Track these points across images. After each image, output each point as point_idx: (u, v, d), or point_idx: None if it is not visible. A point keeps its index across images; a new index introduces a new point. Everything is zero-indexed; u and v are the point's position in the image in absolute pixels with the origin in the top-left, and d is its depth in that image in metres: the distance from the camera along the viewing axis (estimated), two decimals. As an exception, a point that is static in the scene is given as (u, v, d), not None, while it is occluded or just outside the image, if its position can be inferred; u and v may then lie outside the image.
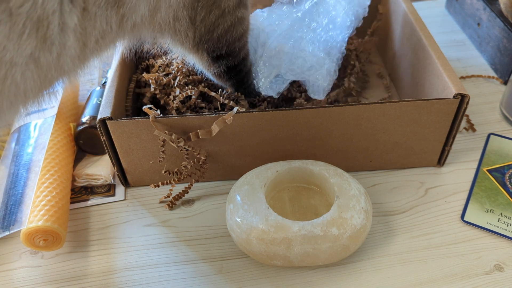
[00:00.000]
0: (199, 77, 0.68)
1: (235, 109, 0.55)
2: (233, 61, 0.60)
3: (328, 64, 0.64)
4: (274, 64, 0.63)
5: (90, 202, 0.63)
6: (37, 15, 0.35)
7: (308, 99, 0.70)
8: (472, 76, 0.84)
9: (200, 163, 0.60)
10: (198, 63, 0.62)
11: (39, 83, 0.38)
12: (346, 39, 0.66)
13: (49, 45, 0.37)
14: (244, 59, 0.62)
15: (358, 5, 0.66)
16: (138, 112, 0.68)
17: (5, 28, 0.33)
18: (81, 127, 0.66)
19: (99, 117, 0.56)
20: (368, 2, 0.67)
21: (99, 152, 0.68)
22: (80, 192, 0.65)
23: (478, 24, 0.89)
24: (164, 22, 0.50)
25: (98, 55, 0.45)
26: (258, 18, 0.67)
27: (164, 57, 0.71)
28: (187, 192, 0.62)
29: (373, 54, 0.88)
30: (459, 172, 0.66)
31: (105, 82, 0.74)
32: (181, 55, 0.62)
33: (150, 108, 0.56)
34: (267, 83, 0.63)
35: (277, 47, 0.63)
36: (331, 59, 0.64)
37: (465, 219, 0.59)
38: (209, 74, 0.64)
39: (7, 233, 0.56)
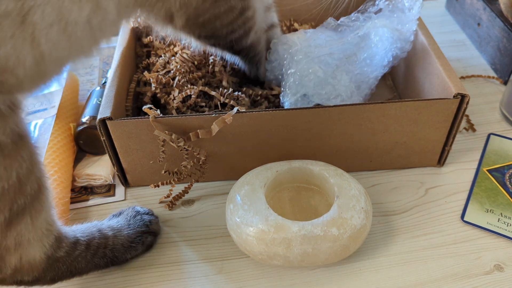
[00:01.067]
0: (199, 74, 0.68)
1: (235, 109, 0.55)
2: (218, 41, 0.62)
3: (355, 97, 0.65)
4: (304, 84, 0.63)
5: (90, 202, 0.63)
6: None
7: None
8: (472, 76, 0.83)
9: (200, 163, 0.60)
10: (182, 37, 0.63)
11: (90, 42, 0.46)
12: (379, 77, 0.67)
13: (99, 10, 0.44)
14: (236, 41, 0.62)
15: (401, 41, 0.66)
16: (138, 112, 0.68)
17: None
18: (81, 127, 0.66)
19: (99, 117, 0.56)
20: (412, 38, 0.67)
21: (99, 152, 0.68)
22: (80, 192, 0.65)
23: (478, 24, 0.89)
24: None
25: (124, 21, 0.55)
26: (300, 36, 0.68)
27: (163, 55, 0.71)
28: (187, 192, 0.62)
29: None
30: (459, 172, 0.66)
31: (105, 82, 0.74)
32: (161, 31, 0.63)
33: (150, 108, 0.56)
34: (293, 100, 0.64)
35: (311, 68, 0.63)
36: (359, 93, 0.65)
37: (465, 219, 0.59)
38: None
39: (7, 233, 0.55)
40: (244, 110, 0.56)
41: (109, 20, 0.46)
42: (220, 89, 0.67)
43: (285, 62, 0.67)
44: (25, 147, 0.42)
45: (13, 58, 0.39)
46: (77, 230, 0.51)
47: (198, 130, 0.57)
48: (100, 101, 0.66)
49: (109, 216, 0.58)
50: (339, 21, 0.71)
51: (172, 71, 0.68)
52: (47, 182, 0.45)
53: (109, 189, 0.65)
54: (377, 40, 0.65)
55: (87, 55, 0.49)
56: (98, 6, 0.44)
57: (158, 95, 0.66)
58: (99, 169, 0.65)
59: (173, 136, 0.56)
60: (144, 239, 0.55)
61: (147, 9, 0.54)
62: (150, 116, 0.56)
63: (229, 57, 0.68)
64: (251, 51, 0.66)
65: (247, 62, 0.68)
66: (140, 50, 0.76)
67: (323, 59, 0.63)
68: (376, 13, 0.70)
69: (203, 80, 0.68)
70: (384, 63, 0.65)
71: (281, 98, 0.66)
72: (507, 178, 0.64)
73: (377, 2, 0.70)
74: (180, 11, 0.55)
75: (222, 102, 0.66)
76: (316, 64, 0.63)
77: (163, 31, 0.62)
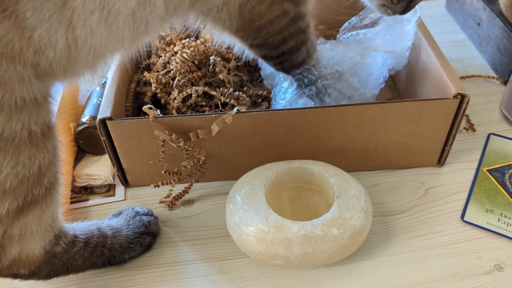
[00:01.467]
0: (199, 73, 0.68)
1: (235, 109, 0.55)
2: (270, 52, 0.61)
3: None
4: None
5: (90, 202, 0.63)
6: None
7: None
8: (472, 76, 0.83)
9: (200, 163, 0.60)
10: (235, 44, 0.63)
11: (132, 34, 0.45)
12: (377, 94, 0.67)
13: (146, 3, 0.44)
14: (289, 53, 0.61)
15: (396, 58, 0.66)
16: (138, 112, 0.68)
17: None
18: (81, 127, 0.66)
19: (99, 117, 0.56)
20: (408, 54, 0.67)
21: (99, 152, 0.68)
22: (80, 192, 0.65)
23: (478, 24, 0.89)
24: (214, 3, 0.52)
25: (170, 22, 0.53)
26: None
27: (163, 55, 0.71)
28: (187, 192, 0.62)
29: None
30: (459, 172, 0.66)
31: (105, 82, 0.74)
32: (218, 37, 0.62)
33: (150, 108, 0.56)
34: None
35: (301, 100, 0.64)
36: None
37: (465, 219, 0.59)
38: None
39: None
40: (244, 110, 0.56)
41: (156, 15, 0.46)
42: (221, 88, 0.67)
43: (273, 83, 0.68)
44: (51, 139, 0.43)
45: (46, 40, 0.39)
46: (77, 228, 0.52)
47: (198, 130, 0.57)
48: (100, 101, 0.66)
49: (109, 215, 0.58)
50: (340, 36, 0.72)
51: (172, 71, 0.68)
52: (61, 178, 0.46)
53: (109, 189, 0.65)
54: (370, 63, 0.66)
55: (127, 49, 0.48)
56: (145, 0, 0.43)
57: (158, 95, 0.66)
58: (99, 169, 0.65)
59: (173, 136, 0.56)
60: (142, 240, 0.55)
61: (204, 12, 0.54)
62: (150, 116, 0.56)
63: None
64: (302, 72, 0.64)
65: (285, 70, 0.66)
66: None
67: (313, 89, 0.64)
68: (375, 22, 0.70)
69: (203, 80, 0.68)
70: (380, 81, 0.66)
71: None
72: (507, 178, 0.64)
73: None
74: (237, 14, 0.54)
75: (222, 101, 0.66)
76: (306, 94, 0.63)
77: (219, 37, 0.61)
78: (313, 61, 0.64)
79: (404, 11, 0.59)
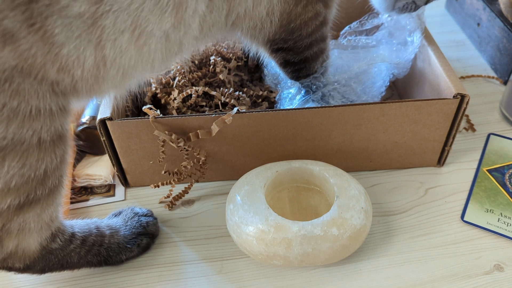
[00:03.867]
0: (200, 73, 0.68)
1: (235, 109, 0.55)
2: (293, 57, 0.61)
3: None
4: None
5: (90, 203, 0.63)
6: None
7: None
8: (472, 76, 0.84)
9: (200, 163, 0.60)
10: (260, 50, 0.62)
11: (163, 56, 0.45)
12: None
13: (181, 25, 0.43)
14: (308, 61, 0.62)
15: (398, 69, 0.67)
16: (138, 112, 0.68)
17: (150, 4, 0.40)
18: (81, 127, 0.66)
19: (99, 117, 0.56)
20: (409, 65, 0.68)
21: (99, 152, 0.68)
22: (80, 193, 0.65)
23: (478, 24, 0.89)
24: (258, 16, 0.52)
25: (205, 41, 0.53)
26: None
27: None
28: (187, 192, 0.62)
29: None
30: (459, 172, 0.66)
31: (105, 82, 0.74)
32: (244, 44, 0.62)
33: (150, 108, 0.57)
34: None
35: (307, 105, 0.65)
36: None
37: (465, 219, 0.59)
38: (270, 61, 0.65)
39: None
40: (244, 110, 0.56)
41: (190, 36, 0.45)
42: (221, 88, 0.67)
43: (279, 86, 0.69)
44: (61, 146, 0.43)
45: (74, 58, 0.39)
46: (76, 225, 0.52)
47: (198, 131, 0.57)
48: (100, 101, 0.66)
49: (109, 215, 0.58)
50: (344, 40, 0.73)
51: (172, 71, 0.68)
52: (65, 181, 0.47)
53: (109, 189, 0.65)
54: (375, 72, 0.66)
55: (156, 70, 0.47)
56: (180, 22, 0.43)
57: (158, 95, 0.66)
58: (99, 169, 0.65)
59: (173, 136, 0.56)
60: (139, 241, 0.55)
61: (247, 28, 0.53)
62: (150, 116, 0.56)
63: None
64: (312, 82, 0.65)
65: (300, 78, 0.66)
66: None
67: (319, 94, 0.64)
68: (376, 27, 0.71)
69: (203, 80, 0.68)
70: (382, 90, 0.67)
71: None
72: (507, 178, 0.64)
73: (380, 16, 0.71)
74: (277, 20, 0.54)
75: (222, 102, 0.66)
76: (311, 98, 0.64)
77: (250, 47, 0.61)
78: (323, 69, 0.64)
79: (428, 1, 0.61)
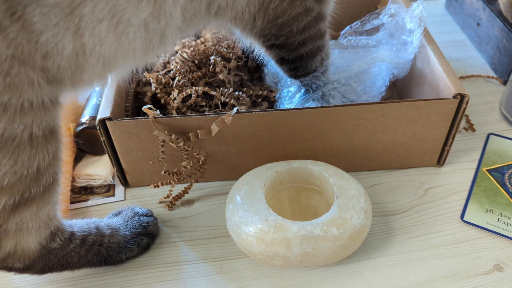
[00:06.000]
0: (199, 73, 0.68)
1: (235, 109, 0.55)
2: (287, 54, 0.60)
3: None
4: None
5: (90, 203, 0.63)
6: None
7: None
8: (472, 76, 0.84)
9: (200, 163, 0.60)
10: (255, 46, 0.62)
11: (144, 46, 0.44)
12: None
13: (161, 14, 0.43)
14: (304, 59, 0.61)
15: (398, 69, 0.67)
16: (138, 112, 0.68)
17: None
18: (81, 127, 0.66)
19: (98, 117, 0.56)
20: (409, 65, 0.68)
21: (98, 152, 0.68)
22: (80, 193, 0.65)
23: (478, 24, 0.89)
24: (239, 7, 0.52)
25: (189, 31, 0.52)
26: None
27: (163, 55, 0.71)
28: (187, 193, 0.62)
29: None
30: (458, 172, 0.66)
31: (104, 82, 0.74)
32: (238, 38, 0.62)
33: (150, 108, 0.56)
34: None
35: (307, 103, 0.65)
36: None
37: (464, 219, 0.59)
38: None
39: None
40: (244, 110, 0.56)
41: (174, 26, 0.45)
42: (221, 88, 0.67)
43: (279, 85, 0.68)
44: (53, 142, 0.43)
45: (52, 45, 0.39)
46: (75, 224, 0.52)
47: (198, 131, 0.57)
48: (100, 101, 0.66)
49: (109, 215, 0.58)
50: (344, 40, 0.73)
51: (172, 71, 0.68)
52: (60, 178, 0.46)
53: (108, 189, 0.65)
54: (375, 72, 0.66)
55: (140, 60, 0.47)
56: (159, 11, 0.42)
57: (158, 95, 0.66)
58: (99, 169, 0.65)
59: (173, 136, 0.56)
60: (139, 240, 0.55)
61: (229, 18, 0.53)
62: (149, 116, 0.56)
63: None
64: (312, 81, 0.64)
65: (298, 76, 0.65)
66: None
67: (319, 93, 0.64)
68: (376, 28, 0.71)
69: (203, 80, 0.68)
70: (382, 89, 0.67)
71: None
72: (507, 178, 0.64)
73: (380, 17, 0.71)
74: (262, 14, 0.54)
75: (222, 102, 0.65)
76: (311, 97, 0.64)
77: (242, 39, 0.60)
78: (323, 68, 0.64)
79: None
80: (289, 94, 0.66)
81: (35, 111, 0.40)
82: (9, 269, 0.48)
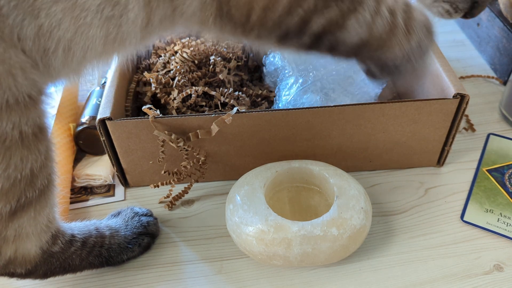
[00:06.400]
0: (199, 73, 0.68)
1: (235, 109, 0.55)
2: (299, 43, 0.45)
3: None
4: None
5: (90, 203, 0.63)
6: None
7: None
8: (472, 76, 0.84)
9: (200, 163, 0.60)
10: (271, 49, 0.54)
11: (104, 35, 0.41)
12: (379, 93, 0.67)
13: (115, 3, 0.40)
14: (323, 36, 0.44)
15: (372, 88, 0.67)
16: (138, 112, 0.67)
17: None
18: (81, 127, 0.66)
19: (98, 117, 0.56)
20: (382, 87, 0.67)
21: (98, 152, 0.68)
22: (79, 193, 0.65)
23: (478, 24, 0.89)
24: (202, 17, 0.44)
25: (158, 34, 0.47)
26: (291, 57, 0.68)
27: (163, 55, 0.71)
28: (187, 192, 0.62)
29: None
30: (458, 172, 0.66)
31: (104, 82, 0.74)
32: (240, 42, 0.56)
33: (150, 108, 0.56)
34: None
35: (306, 95, 0.64)
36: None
37: (464, 219, 0.59)
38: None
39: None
40: (244, 110, 0.56)
41: (130, 21, 0.41)
42: (221, 88, 0.67)
43: (277, 80, 0.68)
44: (44, 141, 0.42)
45: (18, 27, 0.38)
46: (75, 227, 0.51)
47: (198, 130, 0.57)
48: (100, 101, 0.66)
49: (108, 216, 0.58)
50: None
51: (172, 71, 0.68)
52: (56, 180, 0.46)
53: (108, 189, 0.65)
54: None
55: (100, 55, 0.44)
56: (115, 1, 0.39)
57: (158, 95, 0.66)
58: (99, 169, 0.65)
59: (173, 136, 0.56)
60: (140, 241, 0.55)
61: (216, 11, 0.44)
62: (149, 116, 0.56)
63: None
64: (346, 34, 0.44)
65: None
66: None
67: (318, 84, 0.64)
68: None
69: (203, 80, 0.68)
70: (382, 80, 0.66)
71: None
72: (507, 178, 0.64)
73: None
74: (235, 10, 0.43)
75: (222, 102, 0.65)
76: (310, 89, 0.63)
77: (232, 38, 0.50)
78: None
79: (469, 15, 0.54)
80: (287, 86, 0.65)
81: (20, 107, 0.39)
82: (12, 274, 0.47)
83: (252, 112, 0.56)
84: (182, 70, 0.68)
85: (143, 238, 0.55)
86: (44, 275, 0.49)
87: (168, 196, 0.63)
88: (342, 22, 0.41)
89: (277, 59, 0.68)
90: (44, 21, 0.39)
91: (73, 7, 0.39)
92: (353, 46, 0.44)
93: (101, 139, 0.57)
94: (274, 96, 0.68)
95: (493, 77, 0.83)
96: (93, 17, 0.40)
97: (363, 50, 0.45)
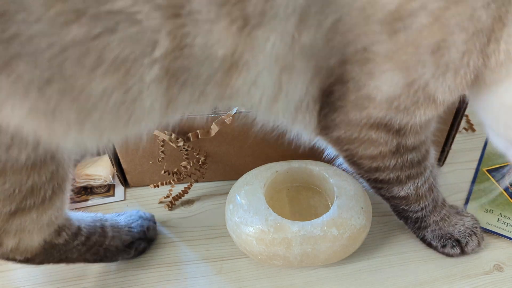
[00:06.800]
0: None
1: (235, 109, 0.55)
2: (361, 171, 0.49)
3: None
4: None
5: (89, 203, 0.63)
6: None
7: None
8: (472, 76, 0.83)
9: (200, 163, 0.60)
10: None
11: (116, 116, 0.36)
12: None
13: (128, 91, 0.34)
14: (386, 182, 0.50)
15: None
16: (137, 112, 0.67)
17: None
18: (81, 127, 0.66)
19: (98, 117, 0.56)
20: None
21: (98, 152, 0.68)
22: (79, 193, 0.65)
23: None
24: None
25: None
26: None
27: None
28: (187, 192, 0.62)
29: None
30: (458, 172, 0.66)
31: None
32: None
33: (150, 108, 0.56)
34: None
35: None
36: None
37: (464, 219, 0.59)
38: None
39: (6, 233, 0.56)
40: (244, 110, 0.56)
41: (146, 109, 0.35)
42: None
43: None
44: (51, 165, 0.41)
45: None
46: (82, 220, 0.51)
47: (198, 130, 0.57)
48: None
49: (114, 214, 0.58)
50: None
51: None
52: (66, 186, 0.45)
53: (108, 189, 0.65)
54: None
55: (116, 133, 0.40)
56: (127, 87, 0.33)
57: (158, 95, 0.66)
58: (99, 169, 0.65)
59: (173, 136, 0.56)
60: (137, 245, 0.55)
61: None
62: (149, 116, 0.56)
63: None
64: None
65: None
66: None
67: None
68: None
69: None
70: None
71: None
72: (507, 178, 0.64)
73: None
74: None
75: (221, 102, 0.65)
76: None
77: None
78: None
79: None
80: None
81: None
82: (10, 259, 0.48)
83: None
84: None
85: (141, 243, 0.55)
86: (40, 263, 0.49)
87: (168, 196, 0.63)
88: (405, 181, 0.49)
89: None
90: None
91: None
92: (397, 197, 0.52)
93: (101, 139, 0.57)
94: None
95: (493, 77, 0.83)
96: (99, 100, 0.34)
97: (402, 201, 0.53)
